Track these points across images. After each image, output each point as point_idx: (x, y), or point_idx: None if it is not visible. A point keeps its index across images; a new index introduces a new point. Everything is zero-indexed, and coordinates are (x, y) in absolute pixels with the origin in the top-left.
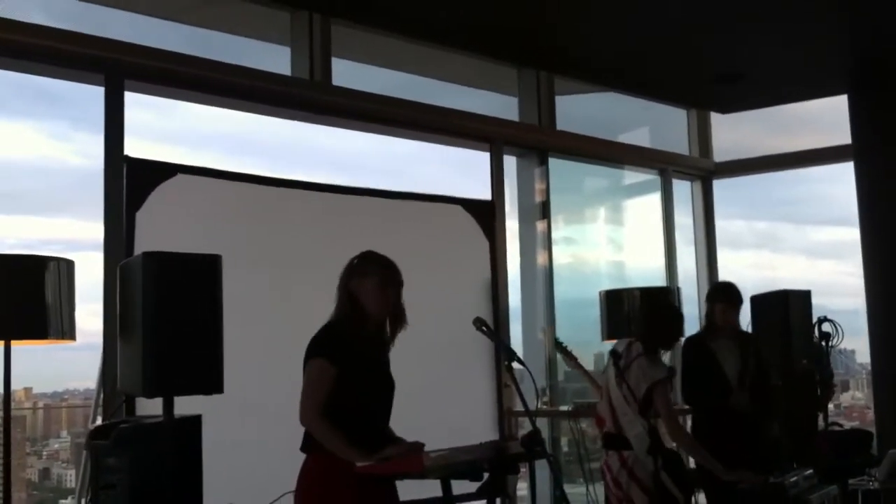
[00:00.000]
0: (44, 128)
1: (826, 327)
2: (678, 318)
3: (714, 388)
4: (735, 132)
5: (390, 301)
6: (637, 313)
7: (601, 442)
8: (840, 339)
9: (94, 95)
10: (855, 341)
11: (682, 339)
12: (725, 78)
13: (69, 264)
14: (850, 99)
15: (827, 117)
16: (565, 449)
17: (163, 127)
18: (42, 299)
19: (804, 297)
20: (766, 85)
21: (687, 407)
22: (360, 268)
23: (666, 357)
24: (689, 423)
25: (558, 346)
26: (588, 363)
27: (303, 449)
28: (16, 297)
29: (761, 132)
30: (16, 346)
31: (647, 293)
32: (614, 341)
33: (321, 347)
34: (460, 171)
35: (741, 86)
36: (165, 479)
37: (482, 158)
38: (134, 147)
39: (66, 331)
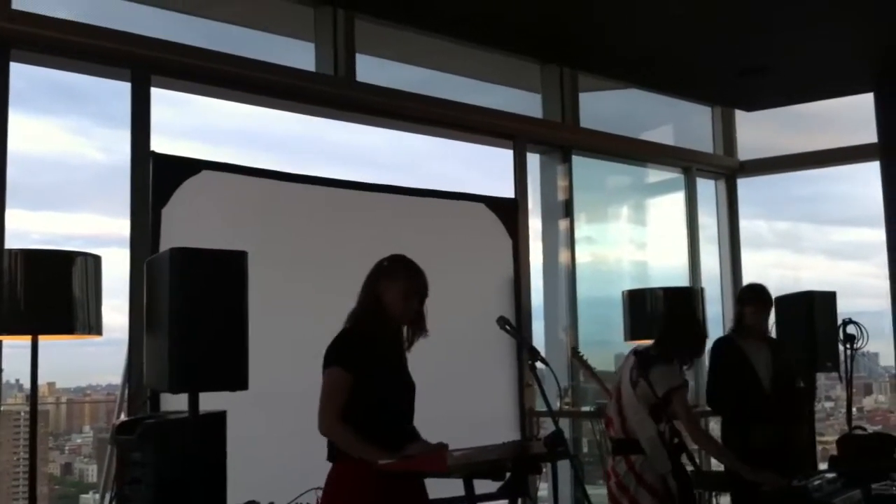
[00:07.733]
0: (65, 123)
1: (851, 329)
2: (701, 337)
3: (747, 389)
4: (757, 131)
5: (412, 309)
6: (659, 320)
7: (610, 446)
8: (865, 342)
9: (114, 91)
10: (878, 344)
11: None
12: (750, 73)
13: (96, 259)
14: (875, 97)
15: (850, 116)
16: (585, 450)
17: (183, 123)
18: (69, 294)
19: (829, 298)
20: (792, 82)
21: (708, 409)
22: (388, 271)
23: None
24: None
25: (575, 355)
26: (609, 363)
27: (329, 458)
28: (43, 293)
29: (783, 131)
30: (40, 340)
31: (672, 296)
32: (637, 342)
33: (337, 356)
34: (483, 169)
35: (766, 82)
36: (190, 474)
37: (505, 156)
38: (155, 143)
39: (93, 326)
